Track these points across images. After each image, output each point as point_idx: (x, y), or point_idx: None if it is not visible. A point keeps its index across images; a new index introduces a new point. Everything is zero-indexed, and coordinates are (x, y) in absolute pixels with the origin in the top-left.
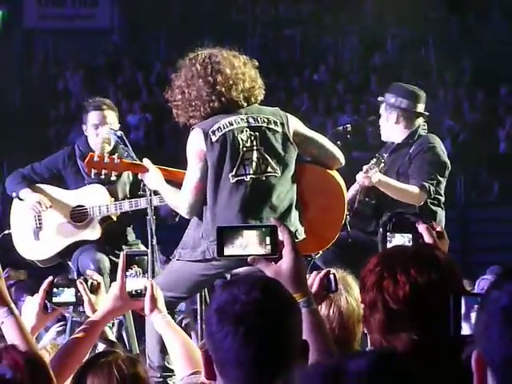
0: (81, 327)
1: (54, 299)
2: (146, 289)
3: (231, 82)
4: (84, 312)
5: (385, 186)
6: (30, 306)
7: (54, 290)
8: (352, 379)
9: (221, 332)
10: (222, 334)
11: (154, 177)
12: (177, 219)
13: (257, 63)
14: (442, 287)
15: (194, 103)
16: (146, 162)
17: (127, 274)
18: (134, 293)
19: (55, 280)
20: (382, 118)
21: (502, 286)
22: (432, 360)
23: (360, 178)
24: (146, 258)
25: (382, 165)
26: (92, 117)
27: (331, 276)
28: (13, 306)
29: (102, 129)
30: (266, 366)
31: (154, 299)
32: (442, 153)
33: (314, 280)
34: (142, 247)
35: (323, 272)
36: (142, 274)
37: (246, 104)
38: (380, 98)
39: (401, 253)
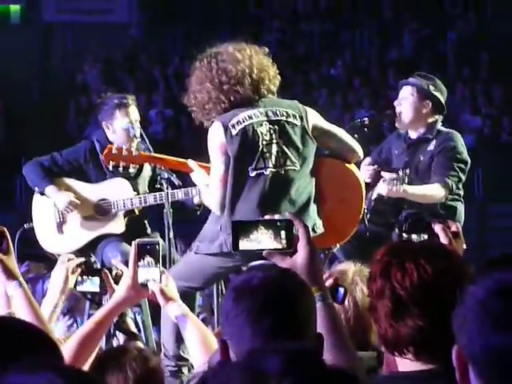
0: (93, 316)
1: (78, 287)
2: (159, 279)
3: (237, 80)
4: (102, 305)
5: (410, 195)
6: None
7: (79, 278)
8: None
9: (236, 309)
10: (238, 311)
11: (199, 176)
12: (198, 212)
13: (267, 50)
14: (450, 277)
15: (206, 107)
16: (191, 162)
17: (139, 264)
18: (146, 283)
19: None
20: (407, 102)
21: (476, 281)
22: (437, 348)
23: (381, 189)
24: (157, 247)
25: (406, 180)
26: (119, 113)
27: (341, 289)
28: (22, 279)
29: (129, 124)
30: (280, 340)
31: (167, 289)
32: (463, 150)
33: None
34: (161, 240)
35: (331, 280)
36: (154, 264)
37: (257, 96)
38: (413, 80)
39: (409, 244)
